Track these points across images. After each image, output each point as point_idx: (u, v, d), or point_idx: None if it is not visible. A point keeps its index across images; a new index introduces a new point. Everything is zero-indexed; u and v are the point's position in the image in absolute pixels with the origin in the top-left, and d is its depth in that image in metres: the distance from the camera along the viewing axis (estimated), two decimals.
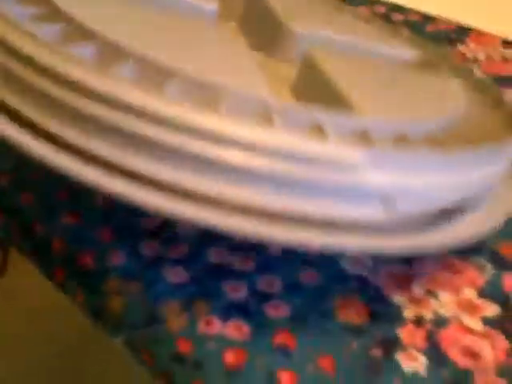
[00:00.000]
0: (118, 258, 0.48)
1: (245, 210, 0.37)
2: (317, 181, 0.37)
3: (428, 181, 0.40)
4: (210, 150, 0.36)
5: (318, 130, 0.42)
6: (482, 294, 0.47)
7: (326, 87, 0.51)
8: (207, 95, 0.42)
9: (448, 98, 0.56)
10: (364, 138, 0.44)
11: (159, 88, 0.42)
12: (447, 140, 0.49)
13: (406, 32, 0.70)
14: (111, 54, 0.43)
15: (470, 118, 0.54)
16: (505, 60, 0.73)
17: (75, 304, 0.49)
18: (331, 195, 0.37)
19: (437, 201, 0.41)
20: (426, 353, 0.43)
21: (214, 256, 0.48)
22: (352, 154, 0.36)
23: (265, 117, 0.42)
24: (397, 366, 0.42)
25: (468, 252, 0.50)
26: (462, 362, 0.42)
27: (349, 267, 0.48)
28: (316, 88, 0.53)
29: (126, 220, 0.50)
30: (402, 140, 0.46)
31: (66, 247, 0.50)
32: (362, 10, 0.81)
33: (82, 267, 0.49)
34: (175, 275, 0.47)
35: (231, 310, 0.45)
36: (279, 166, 0.36)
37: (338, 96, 0.49)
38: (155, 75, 0.42)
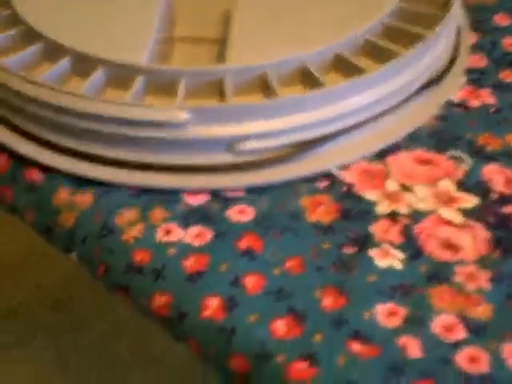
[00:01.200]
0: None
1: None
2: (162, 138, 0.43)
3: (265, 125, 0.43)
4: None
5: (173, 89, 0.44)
6: (461, 186, 0.44)
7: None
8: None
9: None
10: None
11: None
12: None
13: None
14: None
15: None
16: None
17: (26, 223, 0.46)
18: (177, 147, 0.43)
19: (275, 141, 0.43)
20: (401, 247, 0.40)
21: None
22: (178, 114, 0.42)
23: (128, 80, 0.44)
24: (370, 262, 0.39)
25: (444, 145, 0.46)
26: (441, 254, 0.39)
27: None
28: None
29: None
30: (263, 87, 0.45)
31: (11, 163, 0.46)
32: None
33: (29, 183, 0.45)
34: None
35: (191, 217, 0.42)
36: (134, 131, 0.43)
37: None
38: None
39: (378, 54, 0.48)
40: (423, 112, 0.48)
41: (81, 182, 0.44)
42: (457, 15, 0.52)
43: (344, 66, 0.47)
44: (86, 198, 0.43)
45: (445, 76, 0.50)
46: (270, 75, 0.45)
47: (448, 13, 0.49)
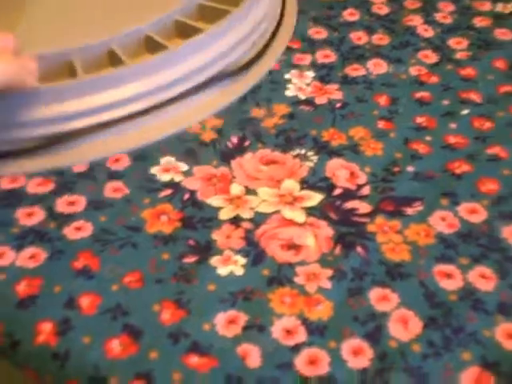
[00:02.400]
0: None
1: None
2: None
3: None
4: None
5: None
6: (305, 184, 0.43)
7: None
8: None
9: None
10: None
11: None
12: None
13: None
14: None
15: None
16: None
17: None
18: None
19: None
20: (243, 252, 0.39)
21: (6, 182, 0.43)
22: None
23: None
24: (211, 271, 0.38)
25: (290, 144, 0.46)
26: (283, 256, 0.39)
27: (159, 174, 0.44)
28: None
29: None
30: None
31: None
32: None
33: None
34: None
35: (27, 238, 0.40)
36: None
37: None
38: None
39: (186, 33, 0.46)
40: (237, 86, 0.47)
41: None
42: None
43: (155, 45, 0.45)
44: None
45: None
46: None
47: None
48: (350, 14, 0.58)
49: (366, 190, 0.43)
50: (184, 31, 0.46)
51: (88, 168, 0.44)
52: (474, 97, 0.50)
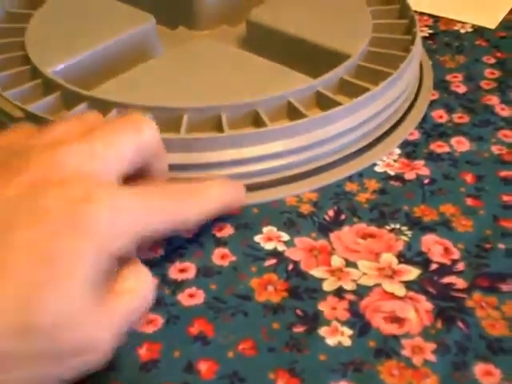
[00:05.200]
0: None
1: None
2: None
3: None
4: None
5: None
6: (402, 258, 0.45)
7: None
8: None
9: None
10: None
11: None
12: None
13: None
14: None
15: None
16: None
17: None
18: None
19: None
20: (349, 324, 0.41)
21: None
22: None
23: None
24: (320, 341, 0.40)
25: (384, 219, 0.48)
26: (387, 328, 0.41)
27: (263, 243, 0.46)
28: None
29: None
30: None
31: None
32: None
33: None
34: None
35: None
36: None
37: None
38: None
39: (325, 104, 0.54)
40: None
41: None
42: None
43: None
44: None
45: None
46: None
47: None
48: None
49: (460, 266, 0.45)
50: (324, 103, 0.54)
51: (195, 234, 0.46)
52: None
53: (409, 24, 0.63)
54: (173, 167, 0.43)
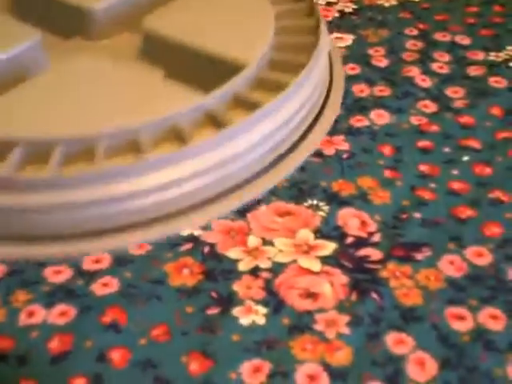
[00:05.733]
0: None
1: None
2: None
3: None
4: None
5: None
6: (319, 233, 0.45)
7: None
8: None
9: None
10: None
11: None
12: None
13: None
14: None
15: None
16: (328, 3, 0.72)
17: None
18: None
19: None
20: (263, 302, 0.41)
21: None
22: None
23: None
24: (234, 322, 0.40)
25: (302, 196, 0.48)
26: (302, 304, 0.41)
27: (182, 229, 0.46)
28: None
29: None
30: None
31: None
32: None
33: None
34: None
35: (55, 295, 0.42)
36: None
37: None
38: None
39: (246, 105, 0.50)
40: (288, 164, 0.50)
41: None
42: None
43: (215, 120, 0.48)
44: None
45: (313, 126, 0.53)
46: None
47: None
48: (351, 69, 0.61)
49: (376, 238, 0.45)
50: (216, 121, 0.49)
51: None
52: (474, 143, 0.52)
53: (316, 24, 0.57)
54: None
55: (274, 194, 0.48)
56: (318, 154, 0.52)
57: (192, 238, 0.45)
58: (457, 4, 0.71)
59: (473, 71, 0.60)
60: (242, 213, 0.47)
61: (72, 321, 0.40)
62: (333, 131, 0.54)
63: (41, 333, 0.40)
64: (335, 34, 0.66)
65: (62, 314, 0.41)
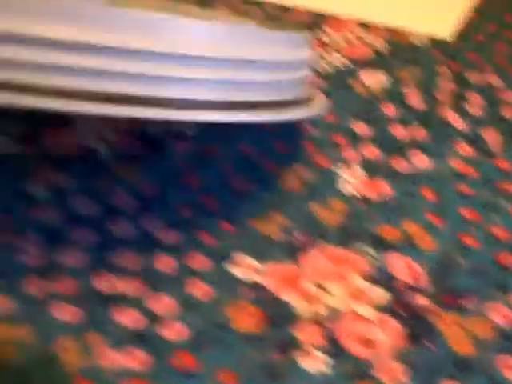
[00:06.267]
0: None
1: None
2: None
3: None
4: None
5: None
6: (369, 278, 0.48)
7: None
8: None
9: None
10: None
11: None
12: None
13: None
14: None
15: None
16: (364, 43, 0.74)
17: None
18: None
19: None
20: (324, 349, 0.43)
21: (102, 284, 0.47)
22: None
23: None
24: (299, 368, 0.42)
25: (350, 240, 0.51)
26: (361, 352, 0.43)
27: (238, 273, 0.48)
28: None
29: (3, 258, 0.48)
30: None
31: None
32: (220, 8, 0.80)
33: None
34: (63, 312, 0.45)
35: (125, 338, 0.44)
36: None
37: None
38: None
39: None
40: None
41: (15, 316, 0.45)
42: None
43: None
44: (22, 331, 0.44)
45: None
46: None
47: None
48: (387, 109, 0.63)
49: (425, 284, 0.47)
50: None
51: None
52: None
53: None
54: None
55: (323, 237, 0.51)
56: (362, 197, 0.54)
57: (252, 284, 0.47)
58: (488, 44, 0.73)
59: (508, 113, 0.63)
60: (293, 256, 0.49)
61: (143, 365, 0.42)
62: (374, 174, 0.56)
63: (116, 376, 0.42)
64: (370, 73, 0.69)
65: (132, 357, 0.43)
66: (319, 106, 0.55)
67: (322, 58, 0.71)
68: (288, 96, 0.50)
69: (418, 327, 0.45)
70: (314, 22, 0.77)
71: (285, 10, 0.80)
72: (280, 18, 0.78)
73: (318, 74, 0.68)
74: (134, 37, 0.42)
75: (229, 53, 0.46)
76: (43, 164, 0.55)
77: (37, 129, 0.58)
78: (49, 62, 0.41)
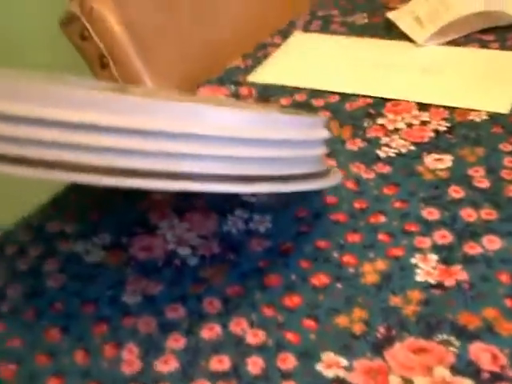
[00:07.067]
0: None
1: None
2: None
3: None
4: None
5: None
6: (454, 369, 0.49)
7: None
8: None
9: None
10: None
11: None
12: None
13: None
14: None
15: None
16: (423, 123, 0.77)
17: None
18: None
19: None
20: None
21: None
22: None
23: None
24: None
25: (432, 330, 0.52)
26: None
27: (323, 369, 0.50)
28: None
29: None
30: None
31: None
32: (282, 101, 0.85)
33: None
34: None
35: None
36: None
37: None
38: None
39: None
40: None
41: None
42: None
43: None
44: None
45: None
46: None
47: None
48: (455, 192, 0.65)
49: (510, 372, 0.48)
50: None
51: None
52: None
53: None
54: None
55: (405, 329, 0.52)
56: (439, 285, 0.56)
57: (338, 380, 0.49)
58: None
59: None
60: (379, 351, 0.51)
61: None
62: (449, 260, 0.58)
63: None
64: (434, 156, 0.71)
65: None
66: (337, 176, 0.62)
67: (384, 142, 0.73)
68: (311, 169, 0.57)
69: None
70: (373, 106, 0.81)
71: (345, 96, 0.84)
72: (340, 108, 0.82)
73: (378, 159, 0.71)
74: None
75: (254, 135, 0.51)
76: (133, 271, 0.59)
77: (123, 236, 0.62)
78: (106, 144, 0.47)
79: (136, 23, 0.79)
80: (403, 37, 0.97)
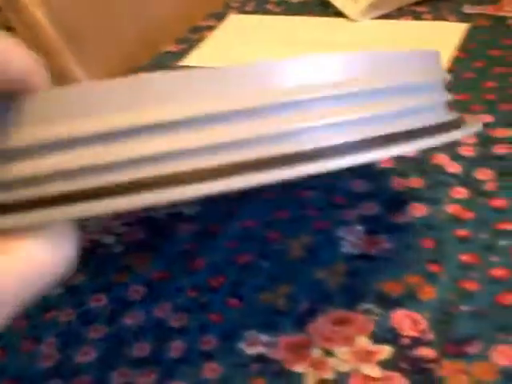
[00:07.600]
0: None
1: None
2: None
3: None
4: None
5: None
6: (375, 338, 0.49)
7: None
8: None
9: None
10: None
11: None
12: None
13: None
14: None
15: None
16: None
17: None
18: None
19: None
20: None
21: (119, 379, 0.49)
22: None
23: None
24: None
25: (355, 301, 0.52)
26: None
27: (246, 348, 0.50)
28: None
29: None
30: None
31: None
32: None
33: None
34: None
35: None
36: None
37: None
38: None
39: None
40: None
41: None
42: None
43: None
44: None
45: None
46: None
47: None
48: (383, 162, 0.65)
49: (429, 336, 0.48)
50: None
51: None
52: (509, 226, 0.55)
53: None
54: None
55: (329, 301, 0.52)
56: (364, 255, 0.56)
57: (260, 357, 0.49)
58: (474, 81, 0.75)
59: (499, 150, 0.64)
60: (303, 326, 0.51)
61: None
62: (374, 231, 0.58)
63: None
64: None
65: None
66: (473, 123, 0.46)
67: None
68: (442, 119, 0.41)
69: (423, 380, 0.45)
70: None
71: None
72: None
73: None
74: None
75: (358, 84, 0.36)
76: None
77: None
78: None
79: (63, 12, 0.78)
80: (338, 14, 0.97)
